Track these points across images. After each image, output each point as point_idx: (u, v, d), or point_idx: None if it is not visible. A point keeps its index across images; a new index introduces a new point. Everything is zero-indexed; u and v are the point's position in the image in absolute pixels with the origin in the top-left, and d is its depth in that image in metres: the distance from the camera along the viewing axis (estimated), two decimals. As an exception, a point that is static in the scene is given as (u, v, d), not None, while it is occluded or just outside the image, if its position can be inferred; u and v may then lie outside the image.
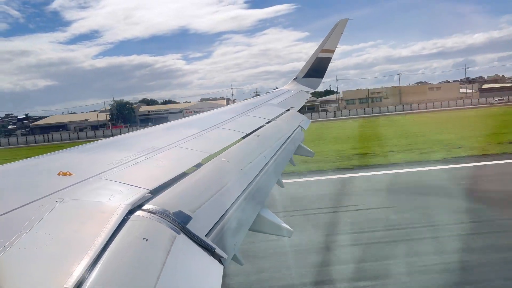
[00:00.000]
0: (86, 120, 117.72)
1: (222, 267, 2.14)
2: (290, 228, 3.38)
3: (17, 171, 2.87)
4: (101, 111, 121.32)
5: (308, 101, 11.30)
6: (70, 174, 2.61)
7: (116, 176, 2.62)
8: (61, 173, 2.62)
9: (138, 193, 2.37)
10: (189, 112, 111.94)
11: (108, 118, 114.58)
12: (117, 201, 2.20)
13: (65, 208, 2.23)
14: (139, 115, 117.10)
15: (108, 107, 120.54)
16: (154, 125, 5.46)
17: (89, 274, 1.57)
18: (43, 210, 2.04)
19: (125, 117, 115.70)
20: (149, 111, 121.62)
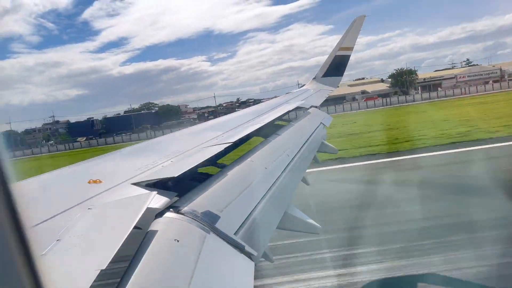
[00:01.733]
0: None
1: (253, 263, 2.16)
2: (317, 224, 3.36)
3: (51, 181, 2.98)
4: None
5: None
6: (100, 182, 2.70)
7: (144, 181, 2.68)
8: (91, 181, 2.70)
9: (166, 196, 2.42)
10: (462, 77, 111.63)
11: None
12: (146, 204, 2.26)
13: (97, 215, 2.31)
14: (418, 82, 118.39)
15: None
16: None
17: (124, 278, 1.62)
18: (76, 218, 2.11)
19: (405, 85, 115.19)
20: (424, 79, 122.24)
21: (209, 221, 2.24)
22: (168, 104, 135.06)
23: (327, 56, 13.04)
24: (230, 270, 2.06)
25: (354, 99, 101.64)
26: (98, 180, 2.70)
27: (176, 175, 2.60)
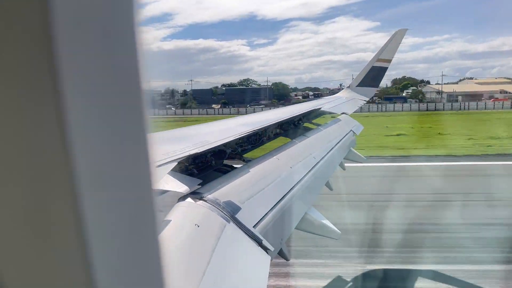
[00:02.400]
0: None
1: (269, 257, 2.15)
2: (337, 230, 3.32)
3: None
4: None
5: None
6: None
7: (169, 166, 2.72)
8: None
9: (190, 182, 2.45)
10: None
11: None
12: (170, 188, 2.29)
13: None
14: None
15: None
16: None
17: None
18: None
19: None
20: None
21: (230, 210, 2.25)
22: (281, 82, 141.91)
23: (370, 53, 12.90)
24: (246, 261, 2.06)
25: (491, 97, 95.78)
26: None
27: (202, 179, 2.62)
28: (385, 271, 9.44)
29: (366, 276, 9.15)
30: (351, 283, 8.88)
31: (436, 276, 9.11)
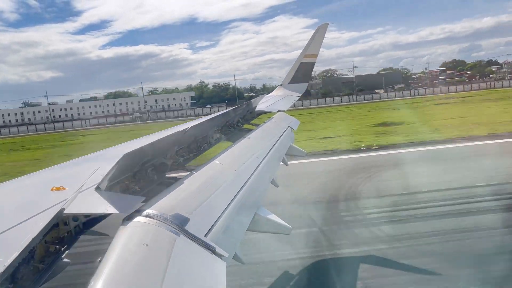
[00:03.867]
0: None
1: (225, 264, 2.13)
2: (288, 225, 3.37)
3: (14, 188, 2.86)
4: None
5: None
6: (64, 189, 2.60)
7: (109, 187, 2.60)
8: (54, 188, 2.60)
9: (132, 200, 2.36)
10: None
11: None
12: (112, 210, 2.19)
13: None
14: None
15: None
16: None
17: (92, 286, 1.55)
18: (40, 226, 2.02)
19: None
20: None
21: (178, 223, 2.20)
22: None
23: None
24: (202, 272, 2.03)
25: None
26: (61, 187, 2.61)
27: (145, 196, 2.53)
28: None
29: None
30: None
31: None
